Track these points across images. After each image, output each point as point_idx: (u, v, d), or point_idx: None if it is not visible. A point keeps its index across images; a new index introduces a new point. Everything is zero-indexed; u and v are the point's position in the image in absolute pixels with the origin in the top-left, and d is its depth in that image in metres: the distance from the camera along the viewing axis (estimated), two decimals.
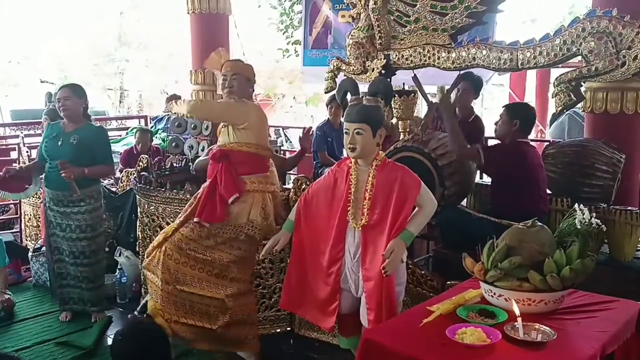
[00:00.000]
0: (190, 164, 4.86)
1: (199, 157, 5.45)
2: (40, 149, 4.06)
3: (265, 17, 10.92)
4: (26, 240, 5.56)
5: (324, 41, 6.82)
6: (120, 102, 20.07)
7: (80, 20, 17.94)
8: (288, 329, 3.84)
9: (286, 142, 9.81)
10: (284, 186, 3.97)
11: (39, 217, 5.11)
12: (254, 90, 3.47)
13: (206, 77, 6.52)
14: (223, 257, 3.20)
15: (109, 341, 3.75)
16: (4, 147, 6.71)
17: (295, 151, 8.05)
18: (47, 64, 18.51)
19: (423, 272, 3.21)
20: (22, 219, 5.66)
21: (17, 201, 5.67)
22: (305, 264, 2.90)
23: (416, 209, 2.65)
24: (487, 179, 4.41)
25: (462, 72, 3.90)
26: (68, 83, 4.17)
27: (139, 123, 8.89)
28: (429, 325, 2.01)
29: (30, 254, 4.86)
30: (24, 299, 4.46)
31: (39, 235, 5.13)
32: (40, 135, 6.19)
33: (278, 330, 3.83)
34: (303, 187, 3.60)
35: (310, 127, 4.22)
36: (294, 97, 17.57)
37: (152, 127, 7.64)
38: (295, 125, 12.69)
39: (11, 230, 5.60)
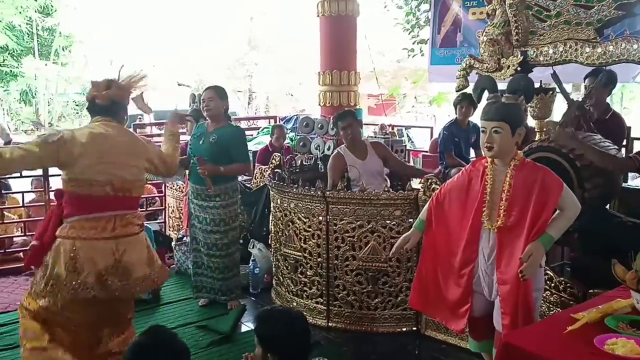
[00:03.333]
0: (319, 162, 5.01)
1: (326, 155, 5.62)
2: (188, 146, 4.37)
3: (391, 18, 10.93)
4: (169, 230, 6.04)
5: (453, 39, 6.71)
6: (249, 103, 21.15)
7: (213, 27, 19.10)
8: (414, 328, 3.83)
9: (408, 141, 9.75)
10: (413, 186, 3.93)
11: (182, 210, 5.54)
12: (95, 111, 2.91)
13: (334, 78, 6.67)
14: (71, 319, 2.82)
15: (244, 328, 3.99)
16: None
17: (418, 152, 8.03)
18: (184, 68, 19.92)
19: (562, 279, 3.05)
20: (166, 211, 6.16)
21: (162, 194, 6.18)
22: (436, 264, 2.88)
23: (557, 212, 2.54)
24: (633, 183, 4.09)
25: (606, 68, 3.68)
26: (213, 85, 4.33)
27: (269, 123, 9.31)
28: (574, 333, 1.92)
29: (173, 243, 5.28)
30: (167, 284, 4.77)
31: (181, 226, 5.56)
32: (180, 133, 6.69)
33: (404, 329, 3.83)
34: (432, 186, 3.57)
35: None
36: (415, 97, 17.40)
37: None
38: (416, 125, 12.60)
39: (157, 221, 6.11)
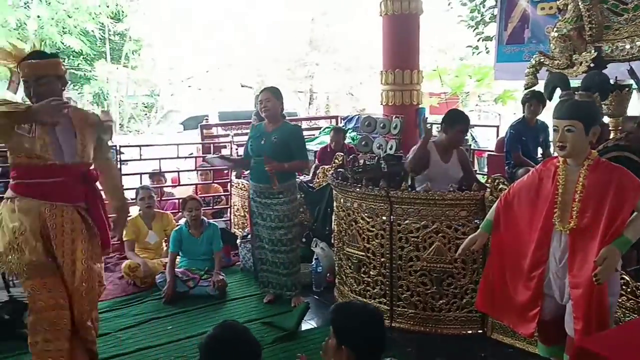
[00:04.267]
0: (382, 162, 5.00)
1: (389, 155, 5.60)
2: (247, 147, 4.46)
3: (453, 15, 10.74)
4: (234, 228, 6.19)
5: (520, 36, 6.53)
6: (309, 103, 21.31)
7: (275, 28, 19.36)
8: (479, 331, 3.76)
9: (472, 141, 9.55)
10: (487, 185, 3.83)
11: (246, 208, 5.65)
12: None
13: (396, 77, 6.64)
14: None
15: (307, 325, 4.04)
16: (217, 144, 7.50)
17: (483, 151, 7.84)
18: (246, 70, 20.30)
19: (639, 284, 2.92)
20: (231, 209, 6.31)
21: (228, 192, 6.34)
22: (503, 266, 2.83)
23: (635, 213, 2.43)
24: None
25: None
26: (269, 86, 4.45)
27: (330, 123, 9.36)
28: None
29: (238, 240, 5.40)
30: (233, 280, 4.94)
31: (245, 224, 5.68)
32: (245, 134, 6.86)
33: (469, 331, 3.77)
34: (500, 187, 3.50)
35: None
36: (479, 96, 17.01)
37: (342, 127, 8.00)
38: (479, 124, 12.34)
39: (222, 219, 6.26)
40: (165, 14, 18.62)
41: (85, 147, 2.94)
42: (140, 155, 5.93)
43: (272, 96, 4.21)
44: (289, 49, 20.05)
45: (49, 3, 17.13)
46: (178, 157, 6.33)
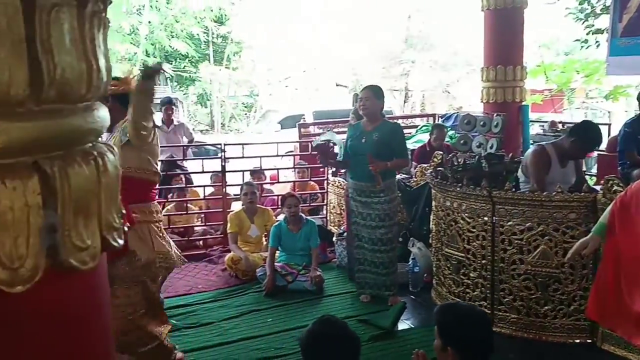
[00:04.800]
0: (483, 160, 4.86)
1: (490, 154, 5.44)
2: (345, 146, 4.45)
3: (557, 8, 10.20)
4: (330, 225, 6.27)
5: (637, 27, 6.08)
6: (405, 101, 21.12)
7: (370, 27, 19.36)
8: (588, 340, 3.56)
9: None
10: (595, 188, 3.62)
11: (342, 206, 5.71)
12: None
13: (498, 73, 6.43)
14: None
15: (404, 325, 4.02)
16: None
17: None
18: (342, 69, 20.46)
19: None
20: (327, 207, 6.39)
21: (325, 190, 6.43)
22: (618, 273, 2.65)
23: None
24: None
25: None
26: (370, 85, 4.44)
27: (427, 121, 9.22)
28: None
29: (334, 238, 5.46)
30: (329, 277, 4.99)
31: (342, 222, 5.74)
32: (340, 133, 6.89)
33: (577, 340, 3.58)
34: (614, 188, 3.29)
35: None
36: (586, 92, 16.04)
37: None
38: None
39: (318, 216, 6.36)
40: (266, 16, 19.18)
41: None
42: (243, 153, 6.14)
43: (372, 95, 4.20)
44: (385, 47, 19.95)
45: (159, 9, 18.22)
46: (278, 155, 6.50)
